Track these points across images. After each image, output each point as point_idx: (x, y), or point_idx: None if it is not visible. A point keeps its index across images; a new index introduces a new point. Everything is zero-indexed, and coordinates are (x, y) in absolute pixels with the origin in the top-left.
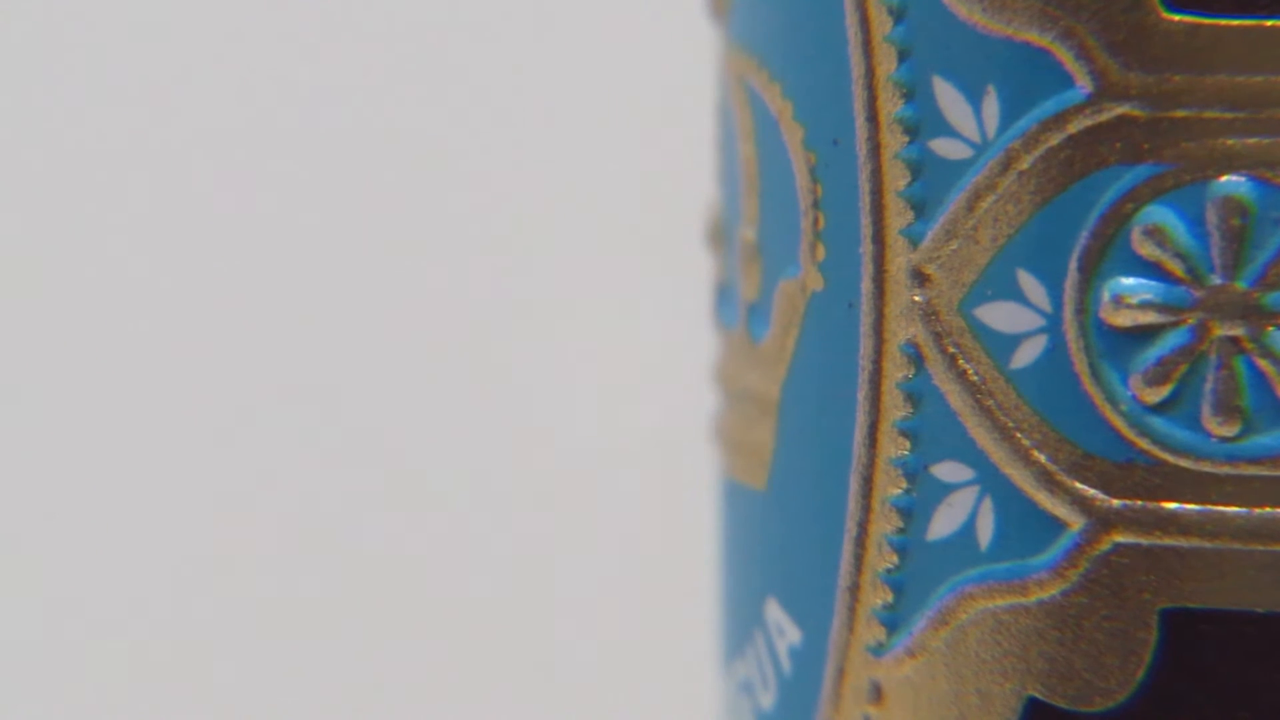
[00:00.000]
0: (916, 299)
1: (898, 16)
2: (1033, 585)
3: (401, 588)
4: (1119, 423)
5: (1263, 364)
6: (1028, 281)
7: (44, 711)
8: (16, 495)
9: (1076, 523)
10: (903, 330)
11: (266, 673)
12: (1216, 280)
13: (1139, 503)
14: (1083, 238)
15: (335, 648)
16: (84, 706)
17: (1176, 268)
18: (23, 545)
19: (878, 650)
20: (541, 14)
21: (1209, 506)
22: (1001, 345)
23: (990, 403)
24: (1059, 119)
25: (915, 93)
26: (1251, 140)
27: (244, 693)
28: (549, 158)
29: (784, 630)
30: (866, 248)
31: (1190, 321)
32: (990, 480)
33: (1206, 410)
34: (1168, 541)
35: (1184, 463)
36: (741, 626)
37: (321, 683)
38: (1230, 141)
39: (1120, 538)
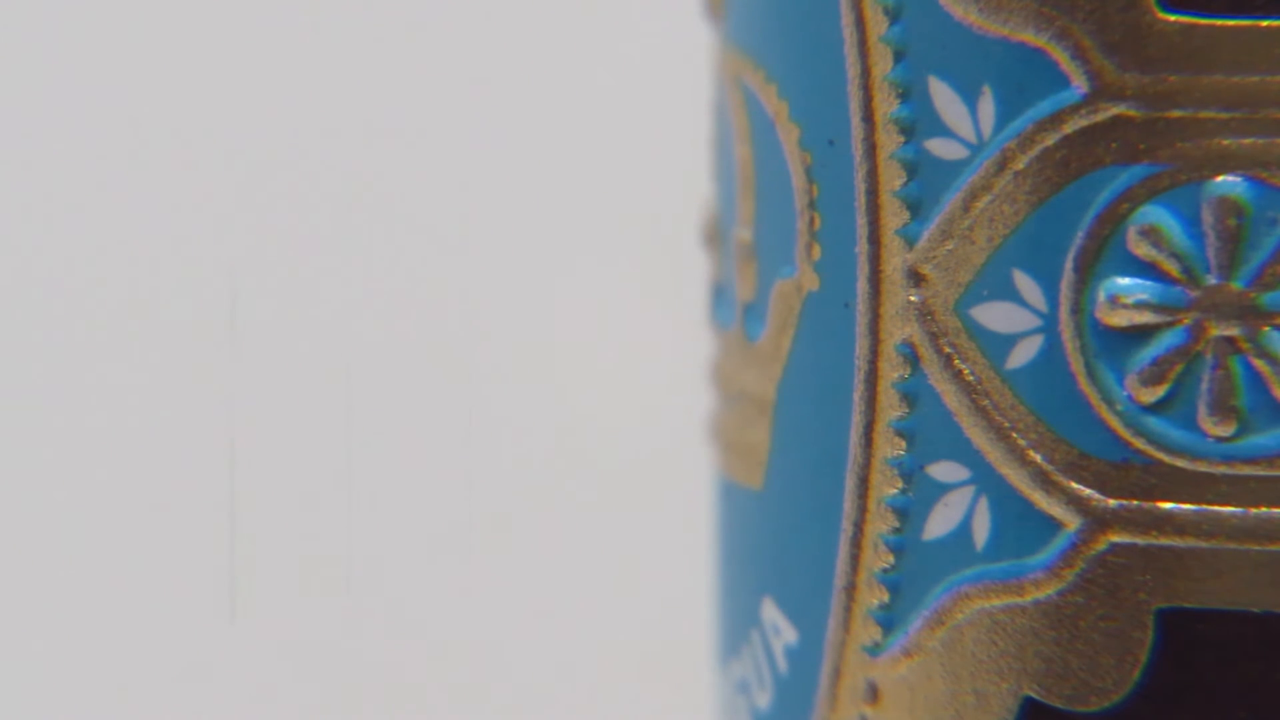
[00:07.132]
0: (912, 299)
1: (893, 16)
2: (1029, 585)
3: (399, 588)
4: (1115, 423)
5: (1258, 364)
6: (1024, 281)
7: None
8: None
9: (1073, 523)
10: (899, 330)
11: (266, 672)
12: (1212, 280)
13: (1135, 503)
14: (1078, 238)
15: (335, 648)
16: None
17: (1172, 268)
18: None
19: (874, 650)
20: (538, 14)
21: (1205, 506)
22: (997, 345)
23: (986, 403)
24: (1055, 119)
25: (911, 93)
26: (1247, 140)
27: (244, 690)
28: (546, 158)
29: (780, 630)
30: (862, 248)
31: (1186, 321)
32: (986, 480)
33: (1202, 410)
34: (1164, 541)
35: (1180, 463)
36: (738, 626)
37: (322, 683)
38: (1226, 141)
39: (1116, 538)
